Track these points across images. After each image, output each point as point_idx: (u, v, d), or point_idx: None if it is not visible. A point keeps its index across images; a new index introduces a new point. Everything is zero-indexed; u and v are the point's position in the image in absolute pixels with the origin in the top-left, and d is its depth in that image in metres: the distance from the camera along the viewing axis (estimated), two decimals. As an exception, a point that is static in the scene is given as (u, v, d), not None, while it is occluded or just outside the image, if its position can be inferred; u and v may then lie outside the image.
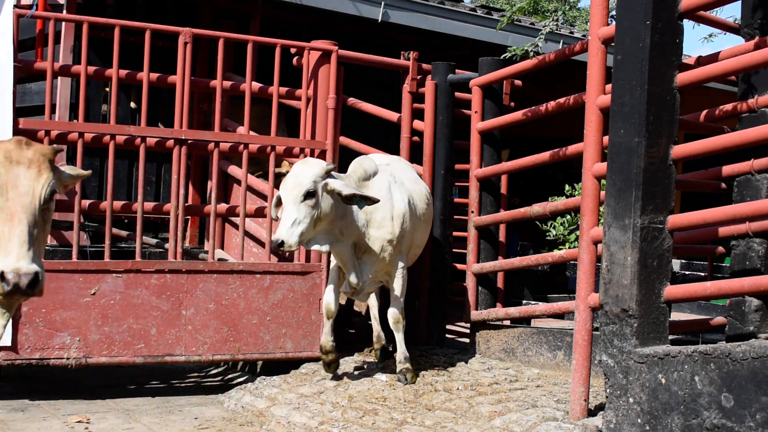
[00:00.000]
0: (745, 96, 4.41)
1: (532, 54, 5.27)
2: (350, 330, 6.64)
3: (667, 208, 3.78)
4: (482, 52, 7.13)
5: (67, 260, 5.37)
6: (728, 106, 4.51)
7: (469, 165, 6.10)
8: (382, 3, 7.90)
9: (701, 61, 4.64)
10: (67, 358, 5.21)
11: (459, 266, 6.43)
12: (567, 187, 7.04)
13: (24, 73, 5.81)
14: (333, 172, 4.84)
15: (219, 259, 6.16)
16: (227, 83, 6.03)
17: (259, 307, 5.64)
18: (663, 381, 3.55)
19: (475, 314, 5.91)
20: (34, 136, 5.10)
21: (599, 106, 4.24)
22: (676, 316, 6.97)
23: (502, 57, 5.61)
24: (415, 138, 6.64)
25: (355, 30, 8.21)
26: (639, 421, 3.64)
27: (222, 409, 5.22)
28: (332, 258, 5.27)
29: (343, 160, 6.52)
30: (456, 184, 6.71)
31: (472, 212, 6.03)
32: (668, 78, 3.77)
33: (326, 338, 5.24)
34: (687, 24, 3.93)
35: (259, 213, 5.92)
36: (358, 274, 5.12)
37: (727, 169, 4.37)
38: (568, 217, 6.91)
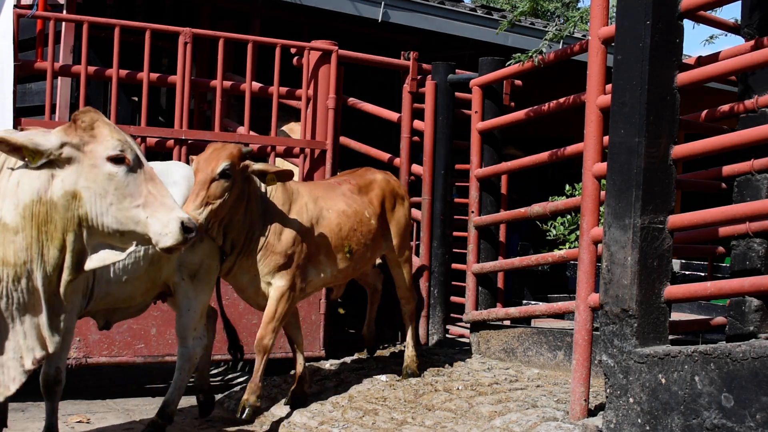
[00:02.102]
0: (744, 96, 4.41)
1: (536, 61, 5.25)
2: (350, 330, 6.64)
3: (667, 208, 3.78)
4: (482, 52, 7.14)
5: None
6: (728, 107, 4.51)
7: (469, 165, 6.10)
8: (382, 3, 7.90)
9: (701, 61, 4.64)
10: (68, 358, 5.20)
11: (459, 266, 6.43)
12: (567, 187, 7.04)
13: (24, 73, 5.81)
14: None
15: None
16: (227, 83, 6.04)
17: (259, 307, 5.64)
18: (663, 381, 3.55)
19: (475, 314, 5.91)
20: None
21: (599, 106, 4.24)
22: (676, 316, 6.97)
23: (507, 64, 5.58)
24: (416, 138, 6.65)
25: (355, 30, 8.20)
26: (639, 421, 3.64)
27: (222, 409, 5.22)
28: None
29: (344, 160, 6.53)
30: (456, 184, 6.71)
31: (472, 212, 6.03)
32: (668, 78, 3.77)
33: None
34: (687, 24, 3.93)
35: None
36: None
37: (727, 169, 4.37)
38: (569, 216, 6.91)
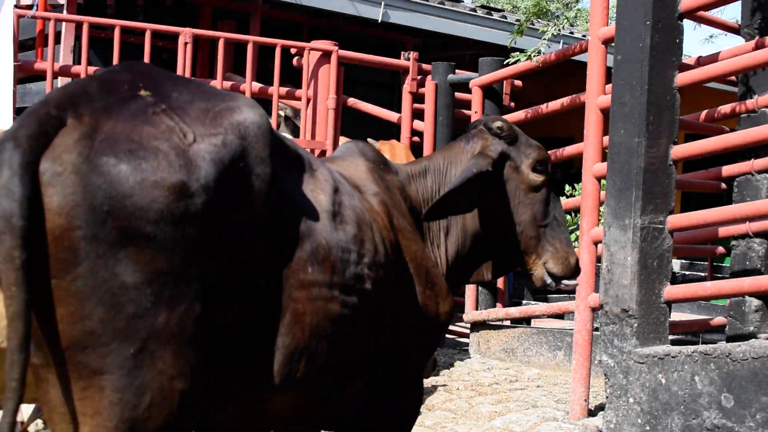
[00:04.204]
0: (744, 96, 4.41)
1: (534, 60, 5.25)
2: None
3: (667, 209, 3.78)
4: (482, 52, 7.14)
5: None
6: (728, 107, 4.51)
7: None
8: (382, 3, 7.90)
9: (701, 62, 4.64)
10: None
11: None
12: (567, 188, 7.03)
13: (24, 74, 5.81)
14: None
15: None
16: (227, 83, 6.03)
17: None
18: (663, 381, 3.55)
19: (475, 314, 5.91)
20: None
21: (599, 106, 4.24)
22: (676, 316, 6.98)
23: (505, 63, 5.58)
24: (416, 138, 6.65)
25: (355, 30, 8.21)
26: (639, 421, 3.64)
27: (222, 410, 5.22)
28: None
29: (344, 160, 6.52)
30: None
31: (473, 212, 6.02)
32: (668, 78, 3.77)
33: None
34: (687, 24, 3.93)
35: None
36: None
37: (727, 170, 4.38)
38: (569, 217, 6.91)
